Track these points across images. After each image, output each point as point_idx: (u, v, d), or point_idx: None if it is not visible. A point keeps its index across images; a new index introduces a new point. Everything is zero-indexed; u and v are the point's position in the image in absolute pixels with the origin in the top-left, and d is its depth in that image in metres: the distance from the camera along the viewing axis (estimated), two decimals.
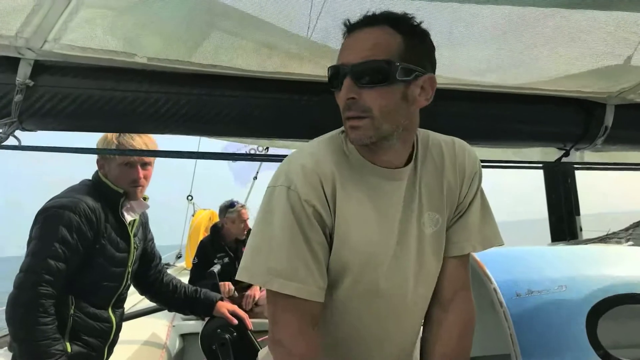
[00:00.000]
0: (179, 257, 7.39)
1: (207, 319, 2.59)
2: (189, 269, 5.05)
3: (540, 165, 2.34)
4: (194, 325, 3.95)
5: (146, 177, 2.15)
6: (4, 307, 1.84)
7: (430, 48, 1.19)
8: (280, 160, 1.24)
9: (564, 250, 2.86)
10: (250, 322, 2.53)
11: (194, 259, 4.39)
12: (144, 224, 2.34)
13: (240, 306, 3.06)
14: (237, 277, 1.17)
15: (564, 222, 4.04)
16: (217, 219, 4.77)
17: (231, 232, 4.42)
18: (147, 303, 3.00)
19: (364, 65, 1.11)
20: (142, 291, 2.46)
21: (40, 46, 1.37)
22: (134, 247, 2.19)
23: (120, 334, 2.23)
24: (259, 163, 6.82)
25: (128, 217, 2.15)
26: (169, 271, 2.82)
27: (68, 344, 1.95)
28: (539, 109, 1.85)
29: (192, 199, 7.58)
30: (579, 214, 4.07)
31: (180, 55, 1.49)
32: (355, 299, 1.24)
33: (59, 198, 2.01)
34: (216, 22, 1.44)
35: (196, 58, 1.50)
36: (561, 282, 1.91)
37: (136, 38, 1.45)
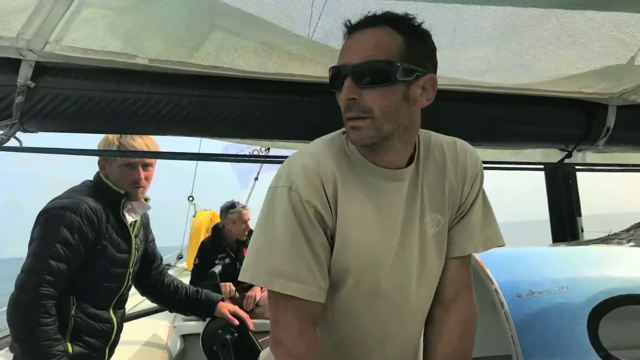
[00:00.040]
0: (179, 257, 7.38)
1: (208, 319, 2.59)
2: (190, 269, 5.05)
3: (542, 166, 2.34)
4: (195, 326, 3.95)
5: (147, 178, 2.15)
6: (5, 308, 1.84)
7: (431, 48, 1.19)
8: (282, 161, 1.24)
9: (565, 251, 2.86)
10: (251, 323, 2.53)
11: (195, 259, 4.39)
12: (145, 225, 2.34)
13: (241, 307, 3.06)
14: (239, 278, 1.17)
15: (565, 223, 4.05)
16: (218, 220, 4.77)
17: (232, 233, 4.42)
18: (148, 304, 3.00)
19: (365, 66, 1.11)
20: (143, 292, 2.47)
21: (41, 47, 1.37)
22: (135, 248, 2.19)
23: (121, 335, 2.24)
24: (261, 164, 6.82)
25: (129, 218, 2.15)
26: (170, 272, 2.82)
27: (69, 345, 1.95)
28: (541, 110, 1.85)
29: (193, 199, 7.57)
30: (580, 215, 4.08)
31: (182, 56, 1.49)
32: (356, 300, 1.24)
33: (60, 199, 2.01)
34: (217, 22, 1.44)
35: (197, 59, 1.50)
36: (562, 283, 1.91)
37: (137, 39, 1.45)
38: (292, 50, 1.54)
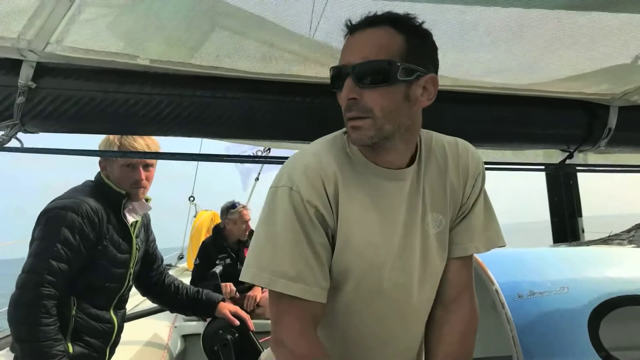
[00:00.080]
0: (180, 258, 7.39)
1: (209, 319, 2.60)
2: (191, 269, 5.05)
3: (543, 167, 2.33)
4: (196, 326, 3.95)
5: (148, 179, 2.15)
6: (6, 308, 1.84)
7: (433, 48, 1.19)
8: (283, 162, 1.24)
9: (566, 251, 2.86)
10: (252, 323, 2.53)
11: (196, 259, 4.39)
12: (146, 225, 2.34)
13: (242, 307, 3.06)
14: (240, 278, 1.18)
15: (566, 224, 4.04)
16: (219, 220, 4.77)
17: (233, 233, 4.42)
18: (148, 304, 3.00)
19: (365, 66, 1.11)
20: (144, 292, 2.47)
21: (42, 48, 1.37)
22: (136, 248, 2.19)
23: (122, 335, 2.24)
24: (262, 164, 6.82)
25: (130, 218, 2.15)
26: (171, 272, 2.82)
27: (70, 345, 1.95)
28: (543, 111, 1.85)
29: (193, 199, 7.58)
30: (581, 216, 4.07)
31: (183, 57, 1.49)
32: (358, 300, 1.24)
33: (61, 199, 2.01)
34: (219, 22, 1.44)
35: (198, 60, 1.50)
36: (563, 283, 1.91)
37: (138, 40, 1.45)
38: (293, 51, 1.54)
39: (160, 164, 2.30)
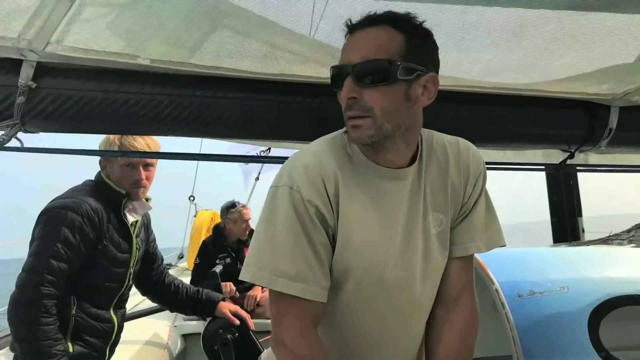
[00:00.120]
0: (180, 257, 7.40)
1: (209, 319, 2.60)
2: (191, 269, 5.05)
3: (544, 167, 2.33)
4: (196, 325, 3.95)
5: (148, 178, 2.16)
6: (6, 308, 1.84)
7: (433, 47, 1.19)
8: (283, 162, 1.24)
9: (566, 251, 2.86)
10: (252, 323, 2.53)
11: (196, 259, 4.40)
12: (146, 224, 2.34)
13: (242, 307, 3.06)
14: (240, 277, 1.18)
15: (566, 224, 4.04)
16: (219, 220, 4.78)
17: (233, 233, 4.42)
18: (148, 303, 3.01)
19: (365, 65, 1.11)
20: (144, 292, 2.47)
21: (42, 48, 1.37)
22: (136, 248, 2.19)
23: (122, 334, 2.24)
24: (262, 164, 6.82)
25: (130, 218, 2.15)
26: (171, 271, 2.82)
27: (70, 344, 1.96)
28: (544, 111, 1.85)
29: (194, 199, 7.58)
30: (581, 216, 4.07)
31: (183, 57, 1.49)
32: (358, 300, 1.24)
33: (61, 198, 2.02)
34: (220, 22, 1.44)
35: (199, 60, 1.50)
36: (563, 283, 1.91)
37: (139, 40, 1.45)
38: (294, 51, 1.54)
39: (160, 164, 2.30)
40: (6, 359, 2.06)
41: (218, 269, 3.78)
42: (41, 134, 1.54)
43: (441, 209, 1.27)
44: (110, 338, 2.14)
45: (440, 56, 1.21)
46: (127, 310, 2.32)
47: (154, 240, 2.44)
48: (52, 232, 1.90)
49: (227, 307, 2.47)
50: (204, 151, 2.61)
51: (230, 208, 4.46)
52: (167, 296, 2.46)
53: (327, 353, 1.17)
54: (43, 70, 1.43)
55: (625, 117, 1.88)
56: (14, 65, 1.40)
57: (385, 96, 1.11)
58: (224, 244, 4.40)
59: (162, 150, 2.14)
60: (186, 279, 3.44)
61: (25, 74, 1.40)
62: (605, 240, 2.93)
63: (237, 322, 2.46)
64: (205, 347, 2.54)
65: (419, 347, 1.37)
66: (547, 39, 1.49)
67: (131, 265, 2.17)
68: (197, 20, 1.41)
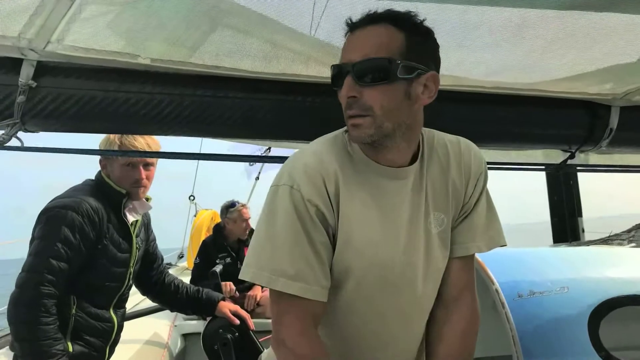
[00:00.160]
0: (180, 257, 7.40)
1: (209, 318, 2.60)
2: (191, 268, 5.06)
3: (544, 167, 2.33)
4: (196, 325, 3.95)
5: (148, 178, 2.15)
6: (6, 307, 1.84)
7: (434, 46, 1.19)
8: (284, 161, 1.24)
9: (566, 251, 2.86)
10: (252, 323, 2.53)
11: (196, 259, 4.40)
12: (146, 224, 2.34)
13: (242, 306, 3.06)
14: (240, 277, 1.18)
15: (566, 224, 4.05)
16: (219, 220, 4.78)
17: (233, 232, 4.43)
18: (148, 303, 3.01)
19: (365, 64, 1.11)
20: (144, 292, 2.47)
21: (43, 47, 1.37)
22: (136, 248, 2.19)
23: (122, 334, 2.24)
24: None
25: (130, 218, 2.15)
26: (171, 271, 2.82)
27: (70, 344, 1.95)
28: (544, 111, 1.84)
29: (194, 198, 7.59)
30: (581, 216, 4.08)
31: (184, 56, 1.49)
32: (358, 300, 1.24)
33: (61, 198, 2.01)
34: (221, 20, 1.43)
35: (199, 59, 1.50)
36: (563, 283, 1.91)
37: (139, 39, 1.45)
38: (295, 50, 1.54)
39: (160, 163, 2.30)
40: (6, 358, 2.06)
41: (218, 268, 3.77)
42: (41, 133, 1.54)
43: (442, 208, 1.27)
44: (110, 338, 2.14)
45: (441, 56, 1.21)
46: (127, 309, 2.32)
47: (154, 239, 2.44)
48: (52, 232, 1.90)
49: (227, 307, 2.47)
50: (204, 151, 2.61)
51: (229, 207, 4.46)
52: (167, 296, 2.46)
53: (327, 353, 1.17)
54: (43, 69, 1.43)
55: (626, 117, 1.88)
56: (14, 64, 1.40)
57: (385, 95, 1.11)
58: (224, 244, 4.40)
59: (162, 149, 2.14)
60: (186, 279, 3.44)
61: (26, 73, 1.40)
62: (606, 241, 2.93)
63: (237, 321, 2.46)
64: (205, 347, 2.54)
65: (420, 347, 1.37)
66: (548, 38, 1.49)
67: (131, 264, 2.16)
68: (197, 19, 1.41)
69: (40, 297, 1.82)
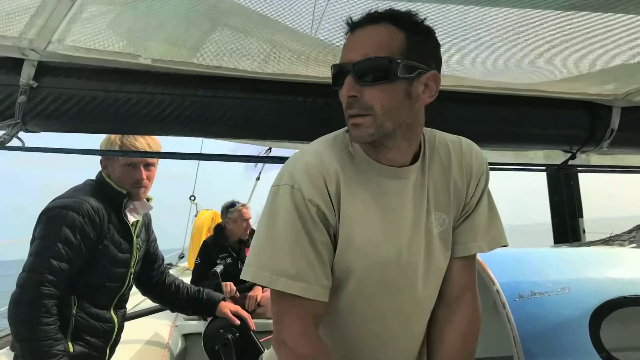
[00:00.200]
0: (181, 257, 7.40)
1: (209, 319, 2.60)
2: (192, 269, 5.06)
3: (545, 167, 2.33)
4: (197, 325, 3.95)
5: (149, 178, 2.15)
6: (6, 307, 1.84)
7: (435, 45, 1.19)
8: (284, 162, 1.24)
9: (567, 252, 2.86)
10: (252, 323, 2.53)
11: (197, 259, 4.40)
12: (147, 224, 2.34)
13: (242, 307, 3.06)
14: (241, 277, 1.18)
15: (567, 224, 4.05)
16: (219, 220, 4.79)
17: (234, 233, 4.43)
18: (149, 303, 3.01)
19: (366, 63, 1.11)
20: (145, 292, 2.47)
21: (44, 47, 1.37)
22: (137, 248, 2.19)
23: (123, 334, 2.24)
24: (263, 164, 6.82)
25: (131, 218, 2.15)
26: (171, 271, 2.82)
27: (70, 344, 1.95)
28: (545, 112, 1.84)
29: (194, 199, 7.59)
30: (582, 216, 4.08)
31: (184, 56, 1.49)
32: (359, 300, 1.24)
33: (62, 198, 2.01)
34: (221, 21, 1.43)
35: (200, 60, 1.50)
36: (564, 284, 1.91)
37: (140, 39, 1.45)
38: (295, 50, 1.54)
39: (161, 163, 2.30)
40: (7, 358, 2.06)
41: (219, 268, 3.77)
42: (42, 133, 1.54)
43: (443, 208, 1.27)
44: (110, 338, 2.14)
45: (442, 56, 1.21)
46: (127, 310, 2.32)
47: (155, 240, 2.43)
48: (53, 232, 1.90)
49: (227, 307, 2.47)
50: (205, 151, 2.61)
51: (230, 207, 4.47)
52: (167, 296, 2.45)
53: (328, 353, 1.17)
54: (44, 69, 1.43)
55: (627, 117, 1.88)
56: (15, 64, 1.40)
57: (385, 94, 1.11)
58: (224, 244, 4.40)
59: (163, 150, 2.14)
60: (187, 279, 3.44)
61: (27, 73, 1.40)
62: (606, 241, 2.93)
63: (238, 322, 2.46)
64: (206, 347, 2.53)
65: (420, 347, 1.37)
66: (549, 39, 1.49)
67: (132, 265, 2.16)
68: (197, 19, 1.41)
69: (40, 298, 1.82)
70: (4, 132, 1.45)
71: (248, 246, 4.37)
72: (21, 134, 1.48)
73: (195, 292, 2.47)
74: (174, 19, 1.39)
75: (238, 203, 4.52)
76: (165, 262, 2.61)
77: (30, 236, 1.98)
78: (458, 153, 1.29)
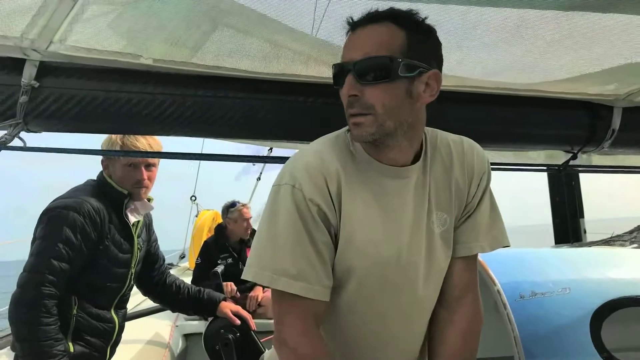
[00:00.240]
0: (182, 257, 7.41)
1: (210, 319, 2.60)
2: (192, 269, 5.06)
3: (546, 168, 2.33)
4: (197, 325, 3.95)
5: (150, 178, 2.15)
6: (7, 308, 1.85)
7: (436, 44, 1.19)
8: (285, 162, 1.24)
9: (568, 252, 2.86)
10: (253, 323, 2.53)
11: (198, 259, 4.40)
12: (147, 225, 2.34)
13: (243, 307, 3.06)
14: (242, 277, 1.18)
15: (568, 225, 4.04)
16: (220, 220, 4.79)
17: (235, 233, 4.43)
18: (150, 303, 3.01)
19: (366, 62, 1.10)
20: (145, 292, 2.47)
21: (45, 47, 1.37)
22: (138, 248, 2.19)
23: (123, 334, 2.24)
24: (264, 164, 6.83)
25: (132, 218, 2.15)
26: (172, 271, 2.82)
27: (71, 344, 1.95)
28: (546, 112, 1.84)
29: (195, 199, 7.59)
30: (582, 217, 4.07)
31: (185, 56, 1.49)
32: (360, 300, 1.24)
33: (63, 198, 2.01)
34: (220, 20, 1.43)
35: (201, 60, 1.50)
36: (565, 284, 1.91)
37: (141, 39, 1.45)
38: (296, 50, 1.54)
39: (161, 164, 2.30)
40: (7, 358, 2.06)
41: (220, 268, 3.78)
42: (43, 133, 1.54)
43: (445, 208, 1.27)
44: (111, 338, 2.14)
45: (443, 56, 1.21)
46: (128, 310, 2.32)
47: (156, 240, 2.44)
48: (54, 232, 1.90)
49: (228, 307, 2.47)
50: (205, 151, 2.61)
51: (230, 207, 4.47)
52: (168, 296, 2.46)
53: (329, 353, 1.17)
54: (46, 69, 1.43)
55: (628, 118, 1.88)
56: (16, 64, 1.40)
57: (386, 93, 1.11)
58: (225, 244, 4.40)
59: (164, 150, 2.14)
60: (187, 279, 3.44)
61: (28, 74, 1.40)
62: (607, 242, 2.93)
63: (239, 322, 2.46)
64: (206, 347, 2.53)
65: (421, 347, 1.37)
66: (549, 39, 1.49)
67: (132, 265, 2.16)
68: (197, 19, 1.41)
69: (41, 298, 1.82)
70: (5, 132, 1.45)
71: (249, 246, 4.37)
72: (22, 134, 1.48)
73: (196, 292, 2.47)
74: (175, 19, 1.39)
75: (238, 203, 4.52)
76: (166, 262, 2.61)
77: (31, 236, 1.98)
78: (460, 152, 1.29)
